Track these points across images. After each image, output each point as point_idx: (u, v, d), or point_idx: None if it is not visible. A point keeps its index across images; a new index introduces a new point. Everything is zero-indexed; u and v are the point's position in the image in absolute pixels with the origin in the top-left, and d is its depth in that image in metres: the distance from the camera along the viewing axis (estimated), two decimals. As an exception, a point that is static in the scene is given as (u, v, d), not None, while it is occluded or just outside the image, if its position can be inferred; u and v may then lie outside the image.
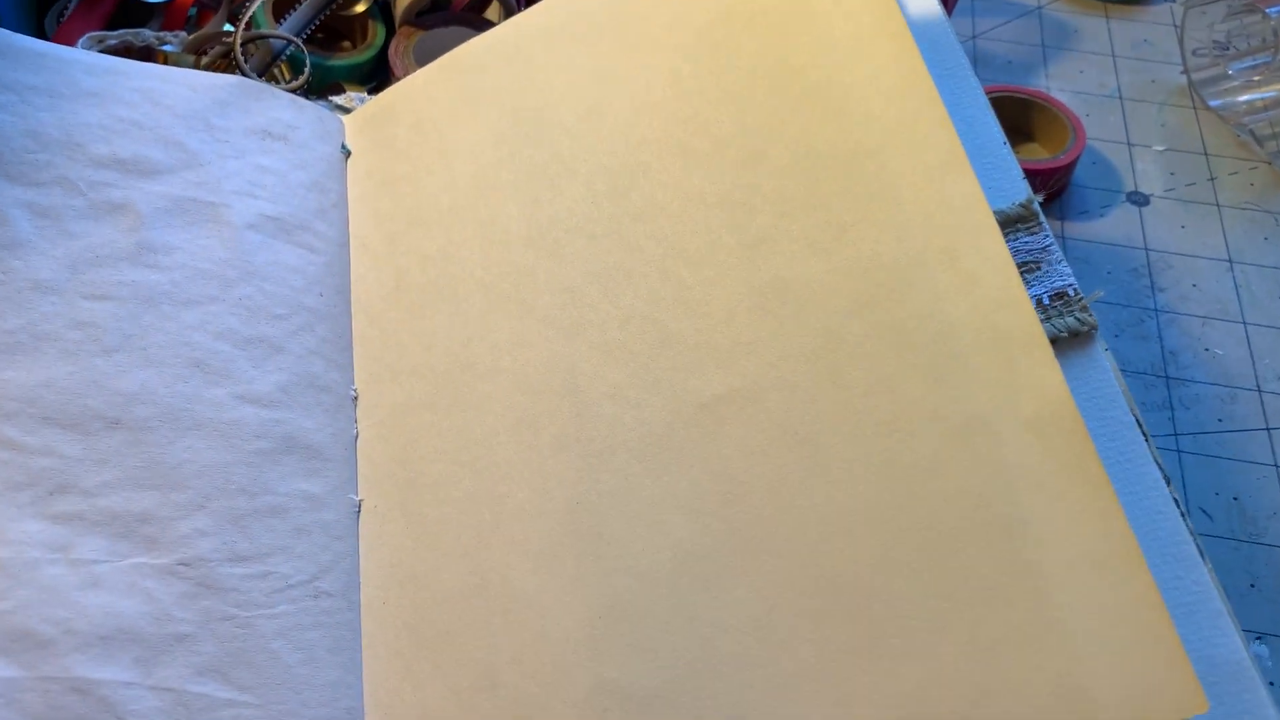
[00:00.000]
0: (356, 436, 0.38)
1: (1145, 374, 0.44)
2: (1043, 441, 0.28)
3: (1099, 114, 0.54)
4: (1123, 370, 0.44)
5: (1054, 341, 0.34)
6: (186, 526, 0.33)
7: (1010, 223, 0.37)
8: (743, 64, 0.37)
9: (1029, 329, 0.29)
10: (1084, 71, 0.56)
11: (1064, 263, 0.36)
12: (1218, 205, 0.50)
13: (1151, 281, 0.47)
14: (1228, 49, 0.54)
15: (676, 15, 0.39)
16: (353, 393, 0.39)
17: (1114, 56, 0.57)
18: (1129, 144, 0.53)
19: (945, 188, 0.32)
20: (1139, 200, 0.50)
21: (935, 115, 0.33)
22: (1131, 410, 0.34)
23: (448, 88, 0.43)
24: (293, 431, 0.36)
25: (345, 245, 0.42)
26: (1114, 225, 0.49)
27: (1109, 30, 0.58)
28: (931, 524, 0.28)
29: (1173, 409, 0.43)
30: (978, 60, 0.57)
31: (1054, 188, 0.49)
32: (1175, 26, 0.58)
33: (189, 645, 0.31)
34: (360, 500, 0.36)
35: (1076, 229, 0.49)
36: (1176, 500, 0.32)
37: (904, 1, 0.39)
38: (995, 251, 0.30)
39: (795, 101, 0.36)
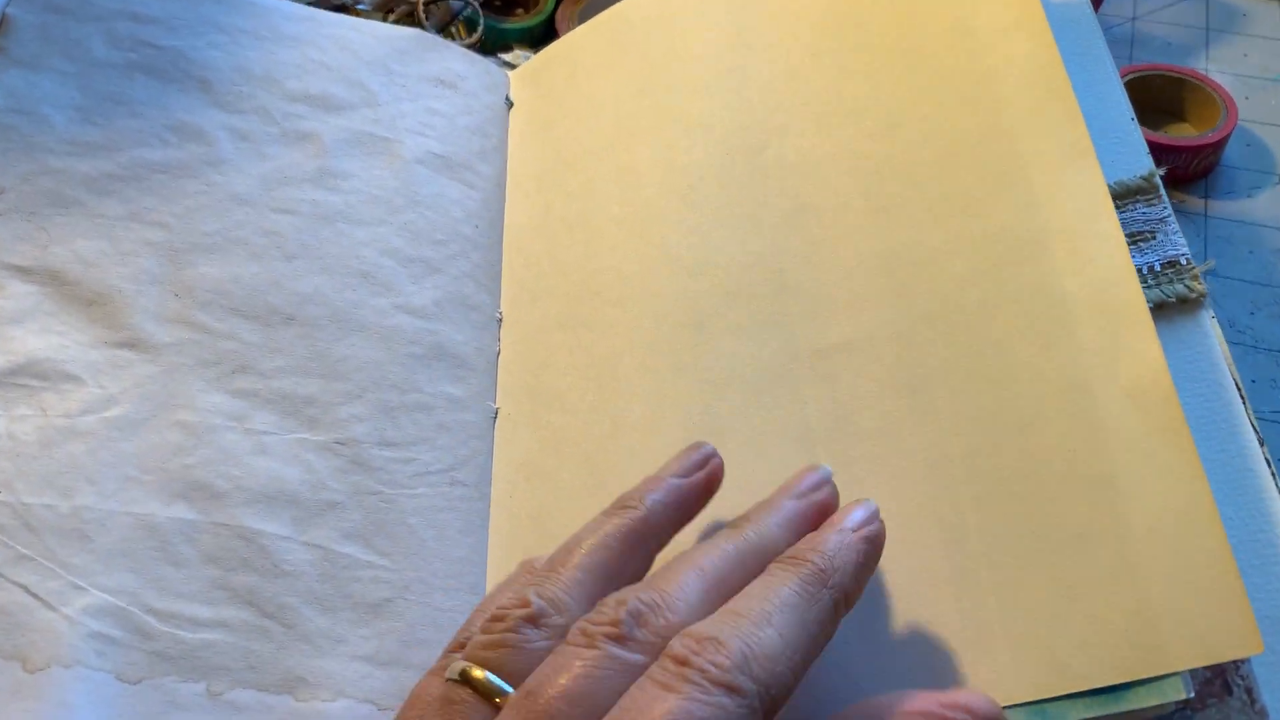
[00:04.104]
0: (499, 353, 0.41)
1: (1278, 351, 0.44)
2: (1137, 408, 0.29)
3: (1260, 97, 0.53)
4: (1255, 346, 0.44)
5: (1161, 306, 0.35)
6: (344, 412, 0.37)
7: (1130, 193, 0.38)
8: (882, 42, 0.39)
9: (1135, 307, 0.31)
10: (1248, 55, 0.55)
11: (1179, 234, 0.37)
12: (1377, 191, 0.48)
13: (1296, 263, 0.46)
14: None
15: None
16: (498, 315, 0.42)
17: (1282, 41, 0.56)
18: (1288, 128, 0.52)
19: (1070, 175, 0.33)
20: (1292, 183, 0.49)
21: (1067, 106, 0.34)
22: (1232, 374, 0.34)
23: (600, 43, 0.47)
24: (443, 341, 0.40)
25: (501, 185, 0.46)
26: (1262, 207, 0.49)
27: None
28: (1028, 473, 0.30)
29: (1305, 386, 0.43)
30: (1135, 41, 0.57)
31: (1200, 166, 0.49)
32: (1352, 12, 0.56)
33: (338, 512, 0.35)
34: (497, 407, 0.40)
35: (1221, 208, 0.49)
36: (1268, 460, 0.32)
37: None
38: (1111, 236, 0.32)
39: (930, 81, 0.37)
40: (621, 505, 0.30)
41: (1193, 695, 0.28)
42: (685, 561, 0.27)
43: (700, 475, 0.31)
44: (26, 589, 0.31)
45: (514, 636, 0.26)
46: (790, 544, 0.28)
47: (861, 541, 0.27)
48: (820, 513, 0.29)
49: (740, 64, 0.42)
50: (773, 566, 0.27)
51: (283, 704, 0.32)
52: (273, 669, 0.32)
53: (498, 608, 0.27)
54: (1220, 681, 0.30)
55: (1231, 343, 0.36)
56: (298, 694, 0.32)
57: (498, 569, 0.37)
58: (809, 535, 0.28)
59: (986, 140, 0.35)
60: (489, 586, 0.36)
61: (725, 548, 0.28)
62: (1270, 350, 0.44)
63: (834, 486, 0.30)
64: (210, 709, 0.31)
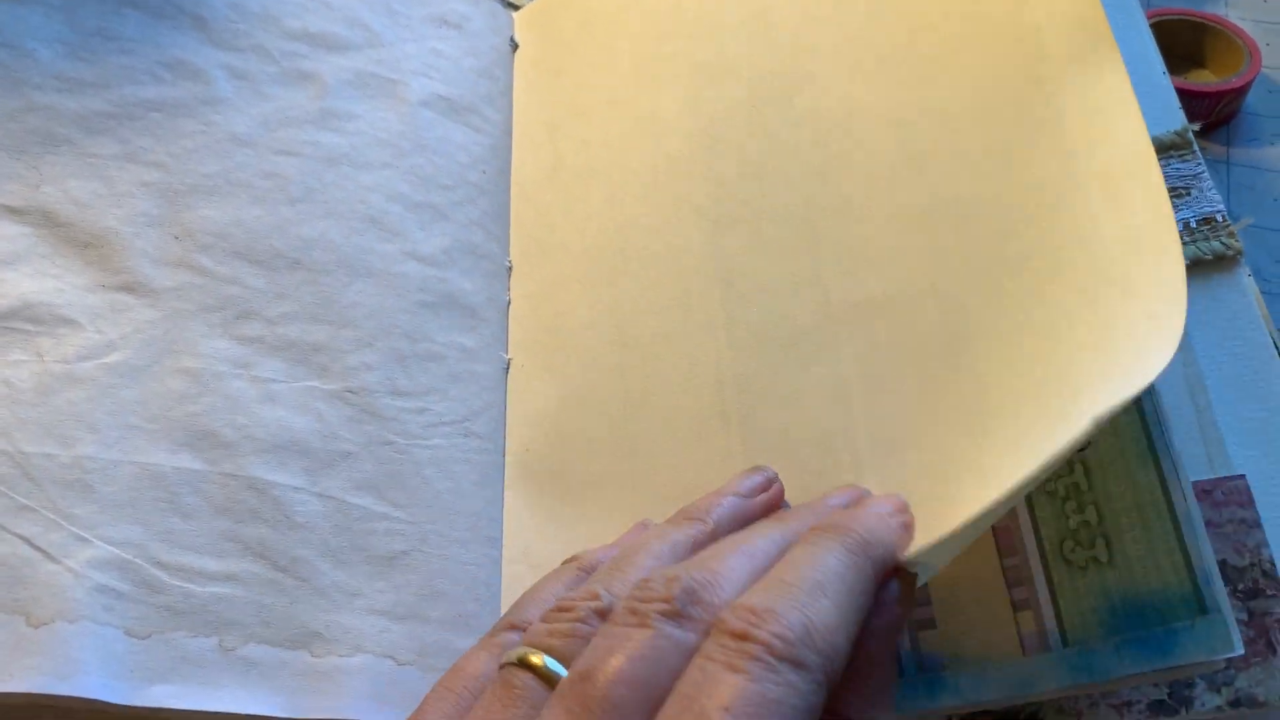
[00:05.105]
0: (509, 303, 0.40)
1: (1303, 299, 0.43)
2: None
3: None
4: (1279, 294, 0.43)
5: (1198, 263, 0.34)
6: (354, 360, 0.35)
7: (1164, 149, 0.37)
8: None
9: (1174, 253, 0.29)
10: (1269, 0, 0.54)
11: (1214, 190, 0.36)
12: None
13: (1319, 211, 0.45)
14: None
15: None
16: (507, 264, 0.41)
17: (1299, -12, 0.55)
18: (1308, 77, 0.51)
19: (1113, 126, 0.31)
20: (1313, 132, 0.49)
21: (1109, 57, 0.32)
22: (1269, 333, 0.33)
23: (614, -14, 0.45)
24: (452, 290, 0.38)
25: (509, 131, 0.44)
26: (1283, 155, 0.48)
27: (1295, -38, 0.56)
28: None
29: (1329, 333, 0.42)
30: (1151, -14, 0.55)
31: (1222, 113, 0.48)
32: (1369, -40, 0.55)
33: (351, 462, 0.34)
34: (509, 359, 0.39)
35: (1244, 155, 0.48)
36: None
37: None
38: (1154, 184, 0.30)
39: (968, 29, 0.36)
40: (688, 517, 0.29)
41: (1244, 651, 0.27)
42: (731, 545, 0.26)
43: (763, 498, 0.31)
44: (28, 541, 0.30)
45: (583, 628, 0.25)
46: None
47: (899, 525, 0.27)
48: None
49: (766, 6, 0.40)
50: (812, 534, 0.26)
51: (298, 659, 0.30)
52: (287, 623, 0.31)
53: (563, 599, 0.26)
54: (1264, 641, 0.29)
55: (1255, 293, 0.35)
56: (313, 649, 0.31)
57: (516, 525, 0.35)
58: (844, 510, 0.28)
59: (1025, 89, 0.34)
60: (506, 541, 0.35)
61: (772, 534, 0.27)
62: (1294, 299, 0.43)
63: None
64: (223, 665, 0.30)
